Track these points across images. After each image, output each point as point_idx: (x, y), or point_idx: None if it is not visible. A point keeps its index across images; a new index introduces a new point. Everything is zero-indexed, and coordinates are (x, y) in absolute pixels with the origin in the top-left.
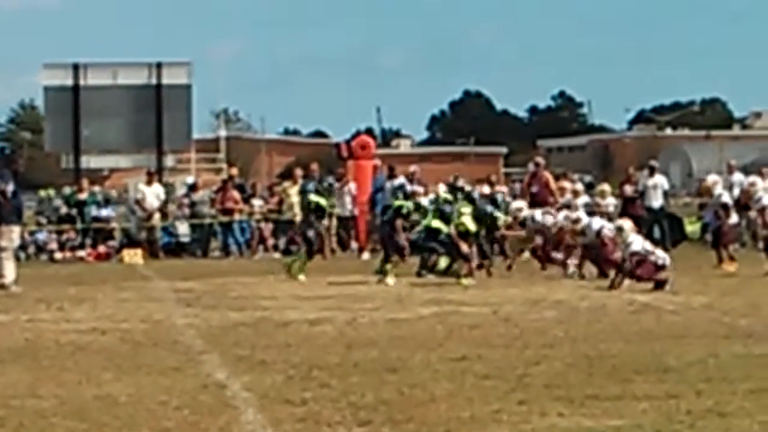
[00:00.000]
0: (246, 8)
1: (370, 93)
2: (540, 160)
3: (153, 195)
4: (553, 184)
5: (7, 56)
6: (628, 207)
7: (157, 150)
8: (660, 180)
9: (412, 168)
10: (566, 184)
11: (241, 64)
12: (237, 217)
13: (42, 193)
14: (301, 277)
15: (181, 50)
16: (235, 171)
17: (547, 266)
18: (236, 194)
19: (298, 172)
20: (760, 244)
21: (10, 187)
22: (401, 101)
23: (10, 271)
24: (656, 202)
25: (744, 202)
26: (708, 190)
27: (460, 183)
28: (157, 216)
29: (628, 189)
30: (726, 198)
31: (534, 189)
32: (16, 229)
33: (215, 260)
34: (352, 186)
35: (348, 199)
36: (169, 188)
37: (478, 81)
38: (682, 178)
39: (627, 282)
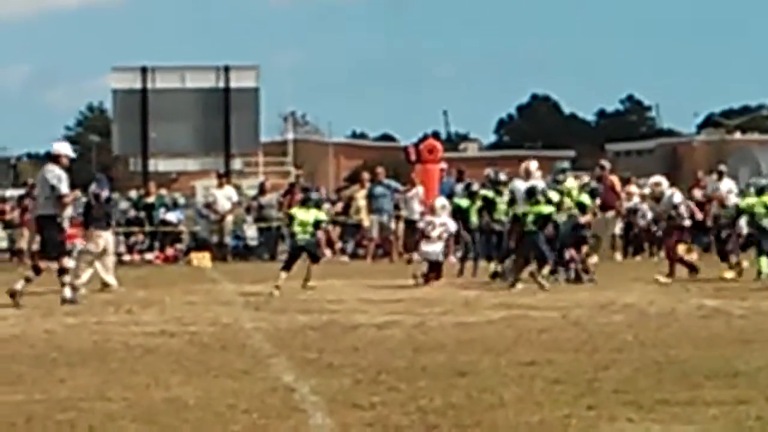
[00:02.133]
0: (313, 14)
1: (438, 96)
2: (605, 163)
3: (224, 197)
4: (618, 187)
5: (76, 59)
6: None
7: (225, 153)
8: (729, 184)
9: (487, 171)
10: (633, 188)
11: (308, 68)
12: None
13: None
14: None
15: (249, 54)
16: (299, 172)
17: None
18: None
19: (365, 175)
20: None
21: (105, 193)
22: (469, 105)
23: (86, 275)
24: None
25: None
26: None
27: (502, 177)
28: (229, 218)
29: (697, 193)
30: (677, 198)
31: (600, 191)
32: (104, 235)
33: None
34: (419, 190)
35: (416, 203)
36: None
37: (546, 84)
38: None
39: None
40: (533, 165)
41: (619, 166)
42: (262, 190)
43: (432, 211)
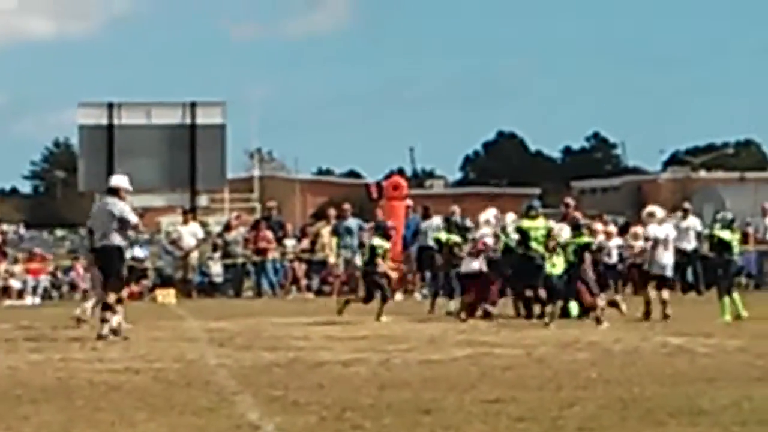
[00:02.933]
0: (278, 49)
1: (404, 133)
2: (569, 200)
3: (189, 234)
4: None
5: (43, 94)
6: None
7: (191, 189)
8: (693, 222)
9: (453, 208)
10: (599, 226)
11: (274, 104)
12: (270, 256)
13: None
14: (384, 318)
15: (215, 91)
16: (274, 203)
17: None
18: (269, 234)
19: (332, 212)
20: None
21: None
22: (435, 142)
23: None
24: (689, 244)
25: None
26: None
27: (468, 223)
28: (194, 255)
29: None
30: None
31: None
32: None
33: (248, 300)
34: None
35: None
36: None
37: (512, 122)
38: None
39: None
40: (491, 213)
41: (585, 204)
42: (227, 226)
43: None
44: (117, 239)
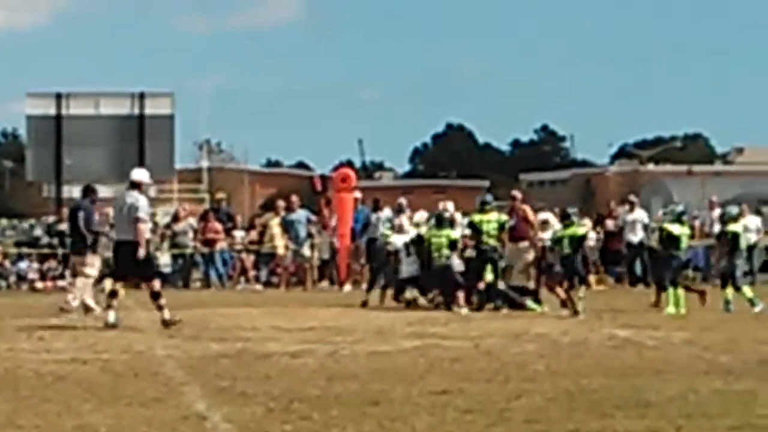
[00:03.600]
0: (228, 41)
1: (353, 125)
2: (517, 193)
3: None
4: (531, 217)
5: None
6: (609, 242)
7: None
8: (640, 215)
9: (400, 200)
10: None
11: (223, 96)
12: (219, 247)
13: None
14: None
15: (163, 81)
16: (223, 195)
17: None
18: (218, 225)
19: (280, 203)
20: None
21: (95, 217)
22: (384, 134)
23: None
24: (635, 237)
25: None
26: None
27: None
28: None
29: (610, 224)
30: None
31: (512, 222)
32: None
33: (196, 291)
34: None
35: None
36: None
37: (460, 114)
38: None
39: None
40: (450, 205)
41: (534, 196)
42: (175, 217)
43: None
44: (134, 233)
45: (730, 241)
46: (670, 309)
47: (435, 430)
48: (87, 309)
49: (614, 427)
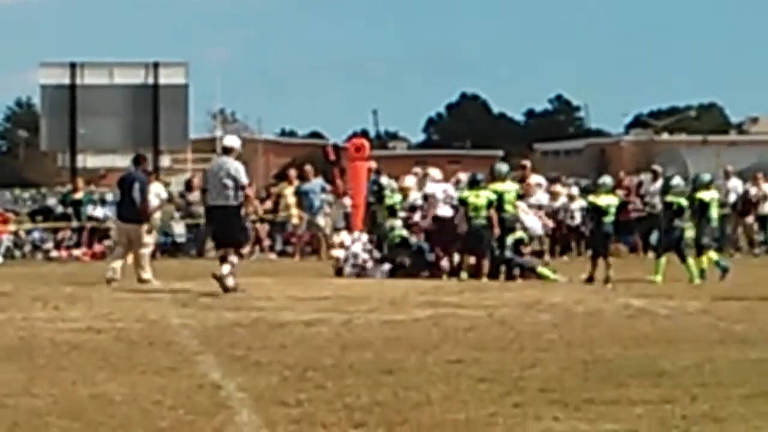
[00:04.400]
0: (243, 11)
1: (368, 95)
2: (526, 163)
3: (152, 194)
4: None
5: (4, 54)
6: (621, 211)
7: (154, 150)
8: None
9: (415, 169)
10: (560, 188)
11: (238, 65)
12: None
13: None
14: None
15: (178, 51)
16: None
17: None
18: None
19: (293, 173)
20: (756, 250)
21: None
22: (398, 104)
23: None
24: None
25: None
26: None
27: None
28: (156, 215)
29: (620, 193)
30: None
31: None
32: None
33: (211, 260)
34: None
35: (347, 202)
36: (167, 187)
37: (475, 84)
38: None
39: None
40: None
41: (548, 166)
42: (189, 186)
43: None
44: (233, 198)
45: (699, 208)
46: (657, 278)
47: (449, 399)
48: (141, 280)
49: (629, 396)
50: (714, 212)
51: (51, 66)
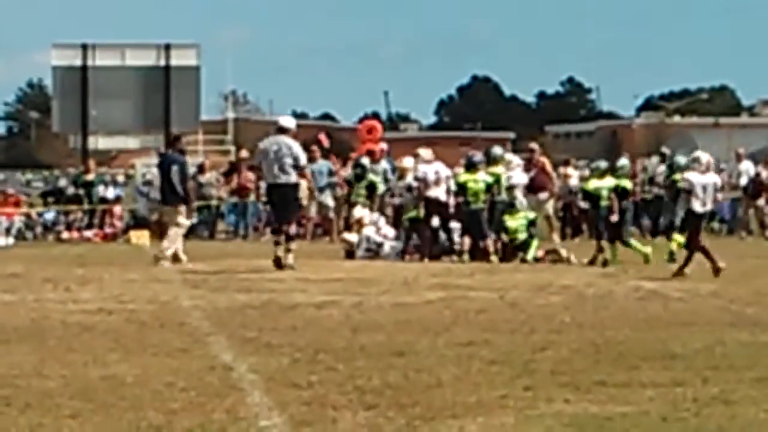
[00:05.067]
0: None
1: (379, 77)
2: (534, 145)
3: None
4: (550, 169)
5: (16, 35)
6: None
7: (165, 131)
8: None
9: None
10: (570, 171)
11: (250, 48)
12: (252, 198)
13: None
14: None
15: (190, 33)
16: (245, 153)
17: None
18: (251, 175)
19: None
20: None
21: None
22: (410, 86)
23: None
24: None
25: (756, 190)
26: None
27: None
28: None
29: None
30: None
31: (531, 174)
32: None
33: (222, 242)
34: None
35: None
36: None
37: (486, 66)
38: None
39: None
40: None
41: (559, 148)
42: (201, 168)
43: None
44: (293, 176)
45: (675, 191)
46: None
47: (460, 381)
48: (176, 259)
49: (640, 378)
50: None
51: (63, 47)
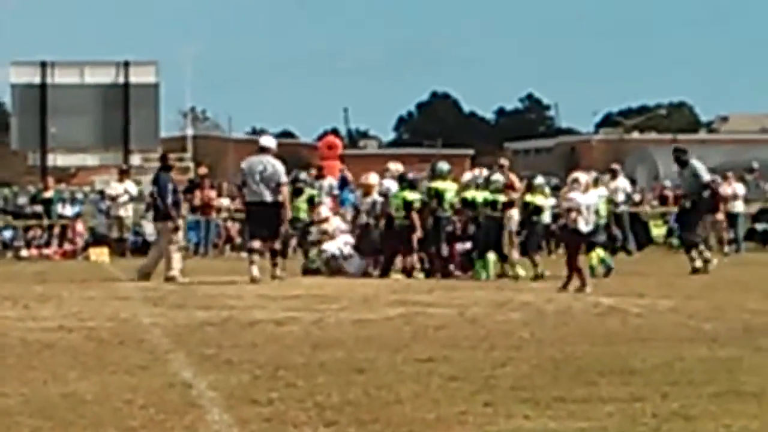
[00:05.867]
0: (213, 10)
1: (338, 94)
2: (504, 161)
3: (124, 192)
4: (517, 185)
5: None
6: None
7: (124, 148)
8: (622, 183)
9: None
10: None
11: (208, 65)
12: (214, 215)
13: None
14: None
15: (148, 50)
16: (204, 170)
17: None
18: (213, 193)
19: None
20: (726, 248)
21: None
22: (369, 102)
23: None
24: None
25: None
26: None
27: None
28: (129, 214)
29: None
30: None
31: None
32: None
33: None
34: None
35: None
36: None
37: (446, 83)
38: (648, 182)
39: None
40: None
41: (519, 165)
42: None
43: None
44: (275, 195)
45: (530, 212)
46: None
47: (420, 398)
48: (168, 278)
49: (599, 394)
50: (602, 210)
51: (22, 65)
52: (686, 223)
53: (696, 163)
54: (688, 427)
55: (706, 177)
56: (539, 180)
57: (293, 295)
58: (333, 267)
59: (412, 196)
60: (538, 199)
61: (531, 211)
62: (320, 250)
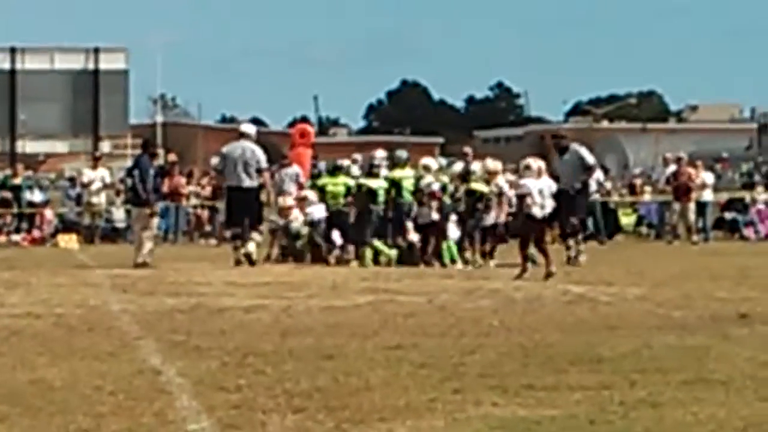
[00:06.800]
0: None
1: (308, 82)
2: (468, 150)
3: (98, 179)
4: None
5: None
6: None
7: (94, 135)
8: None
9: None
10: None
11: (179, 52)
12: (184, 202)
13: None
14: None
15: (118, 36)
16: (173, 157)
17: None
18: (182, 180)
19: None
20: (694, 237)
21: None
22: (339, 90)
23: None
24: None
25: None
26: None
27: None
28: (101, 200)
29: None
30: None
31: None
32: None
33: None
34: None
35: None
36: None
37: (415, 71)
38: (618, 171)
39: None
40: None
41: (488, 153)
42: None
43: None
44: (255, 179)
45: (473, 200)
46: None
47: (389, 385)
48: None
49: (568, 381)
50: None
51: None
52: (576, 207)
53: (579, 148)
54: (655, 415)
55: (591, 159)
56: (475, 166)
57: (262, 282)
58: (318, 233)
59: (376, 184)
60: (479, 186)
61: (476, 198)
62: (306, 221)
